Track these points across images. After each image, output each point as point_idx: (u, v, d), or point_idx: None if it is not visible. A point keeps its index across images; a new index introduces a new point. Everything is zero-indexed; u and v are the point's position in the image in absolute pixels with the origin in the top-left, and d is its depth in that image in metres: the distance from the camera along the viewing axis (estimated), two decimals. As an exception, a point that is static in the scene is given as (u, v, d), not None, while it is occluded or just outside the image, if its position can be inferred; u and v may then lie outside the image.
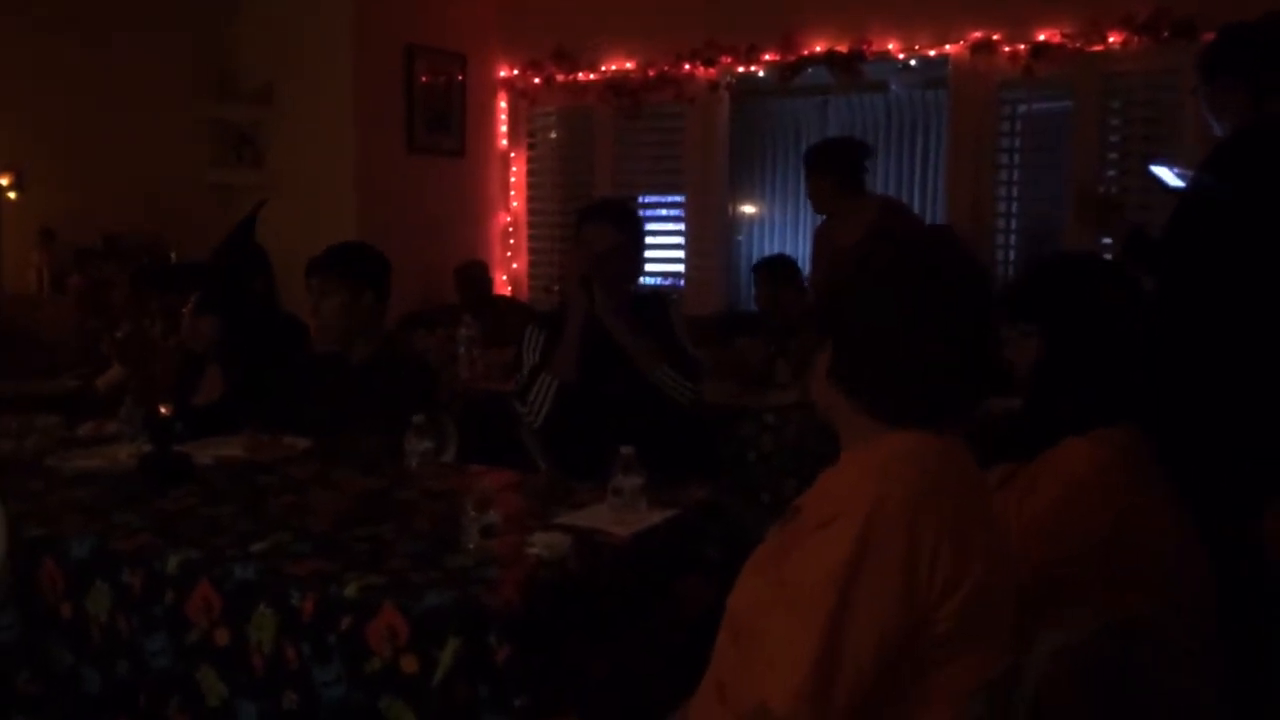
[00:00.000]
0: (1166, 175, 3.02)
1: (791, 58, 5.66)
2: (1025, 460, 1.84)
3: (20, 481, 2.34)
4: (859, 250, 1.45)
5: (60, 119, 5.03)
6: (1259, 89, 2.66)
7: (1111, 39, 4.97)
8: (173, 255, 5.21)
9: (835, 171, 4.24)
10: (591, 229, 2.97)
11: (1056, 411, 1.84)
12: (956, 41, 5.30)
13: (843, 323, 1.41)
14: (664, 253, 6.42)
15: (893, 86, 5.99)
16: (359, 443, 2.64)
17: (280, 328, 3.23)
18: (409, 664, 1.65)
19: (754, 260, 6.53)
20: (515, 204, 6.65)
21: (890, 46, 5.46)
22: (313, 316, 2.95)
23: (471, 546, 1.89)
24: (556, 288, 3.33)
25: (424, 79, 5.92)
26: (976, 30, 5.24)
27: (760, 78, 5.87)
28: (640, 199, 6.39)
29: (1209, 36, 4.70)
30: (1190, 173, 2.85)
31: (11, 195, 4.85)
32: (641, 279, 3.42)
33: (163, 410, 2.40)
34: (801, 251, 6.42)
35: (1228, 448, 2.38)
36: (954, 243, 1.56)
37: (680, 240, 6.28)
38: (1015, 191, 5.47)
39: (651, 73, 6.02)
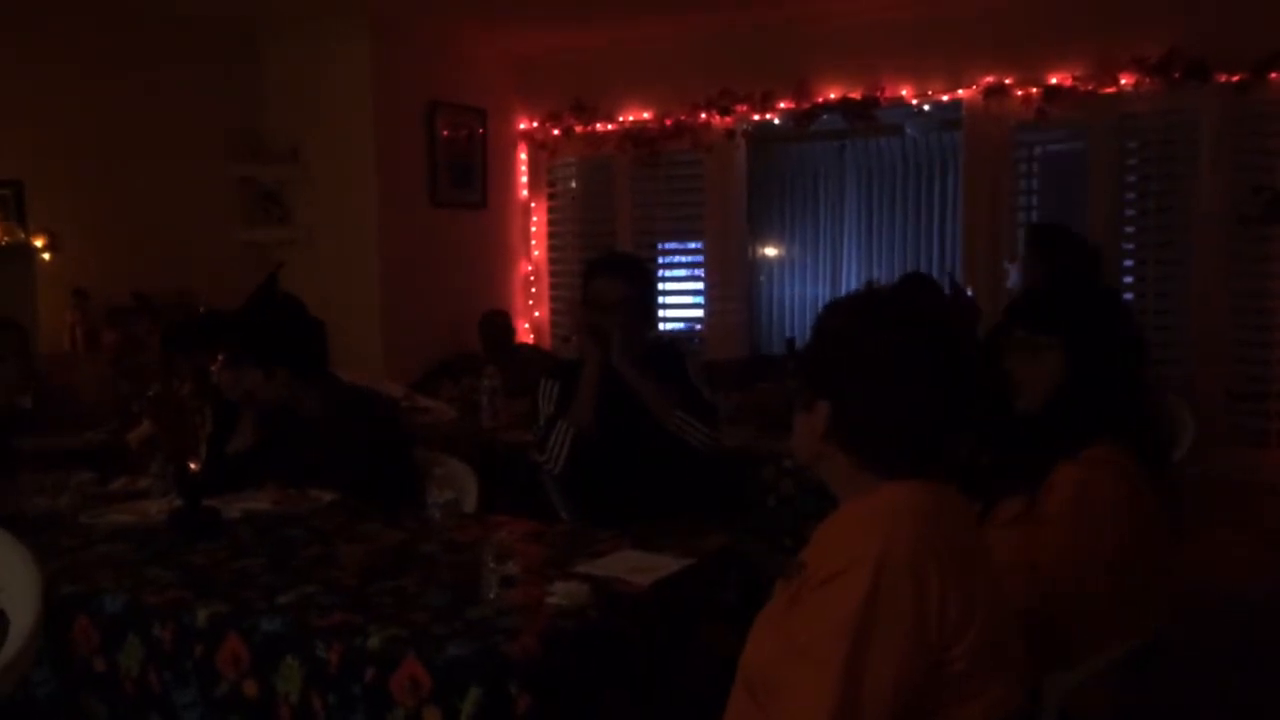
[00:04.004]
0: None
1: (806, 105, 5.75)
2: (1025, 480, 1.88)
3: (55, 538, 2.39)
4: (843, 315, 1.48)
5: (92, 182, 5.17)
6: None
7: (1124, 81, 5.02)
8: (201, 309, 5.31)
9: None
10: (600, 282, 3.03)
11: (1075, 423, 1.89)
12: (969, 86, 5.37)
13: (840, 384, 1.43)
14: (685, 298, 6.49)
15: (908, 130, 6.05)
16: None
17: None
18: (432, 715, 1.67)
19: (775, 303, 6.59)
20: (537, 253, 6.74)
21: (903, 92, 5.53)
22: None
23: (492, 596, 1.92)
24: (574, 337, 3.37)
25: (445, 133, 6.05)
26: (988, 75, 5.30)
27: (776, 125, 5.95)
28: (660, 246, 6.48)
29: (1222, 77, 4.79)
30: None
31: (46, 256, 4.97)
32: (658, 327, 3.46)
33: (192, 466, 2.45)
34: (821, 294, 6.47)
35: None
36: (933, 292, 1.62)
37: (701, 286, 6.33)
38: (1033, 232, 5.49)
39: (668, 122, 6.12)
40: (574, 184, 6.68)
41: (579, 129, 6.39)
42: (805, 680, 1.29)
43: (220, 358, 3.07)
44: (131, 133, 5.31)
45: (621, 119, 6.27)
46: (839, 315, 1.48)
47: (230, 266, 5.60)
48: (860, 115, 5.65)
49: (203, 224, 5.63)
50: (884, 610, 1.28)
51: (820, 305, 4.99)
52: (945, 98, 5.45)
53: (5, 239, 4.81)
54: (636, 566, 2.11)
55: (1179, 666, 3.10)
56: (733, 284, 6.20)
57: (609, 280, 3.02)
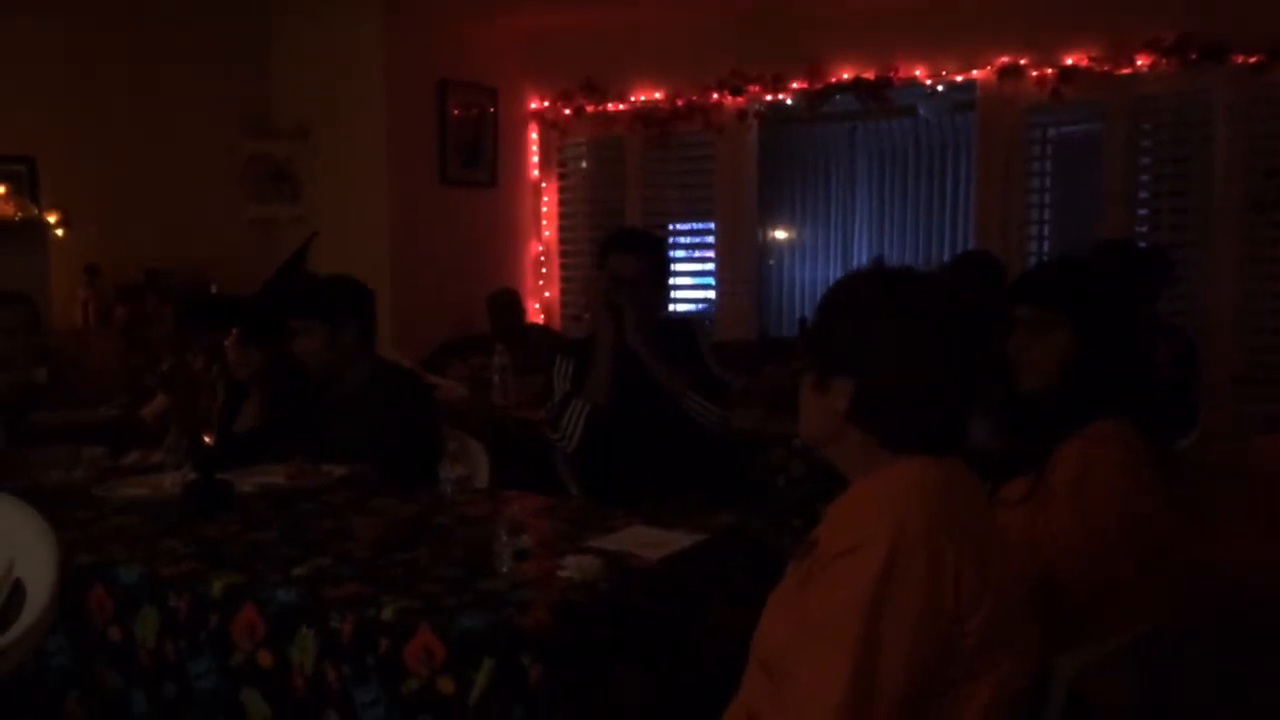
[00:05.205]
0: None
1: (818, 85, 5.71)
2: (1031, 459, 1.88)
3: (70, 511, 2.41)
4: (860, 292, 1.46)
5: (104, 158, 5.17)
6: None
7: (1140, 62, 4.98)
8: (213, 288, 5.33)
9: None
10: (616, 258, 3.03)
11: (1081, 402, 1.89)
12: (983, 67, 5.33)
13: (863, 361, 1.40)
14: (695, 280, 6.47)
15: (921, 111, 6.02)
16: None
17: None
18: (445, 685, 1.69)
19: (785, 286, 6.58)
20: (547, 233, 6.73)
21: (917, 73, 5.49)
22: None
23: (505, 570, 1.93)
24: (586, 316, 3.37)
25: (456, 112, 6.03)
26: (1003, 55, 5.27)
27: (788, 105, 5.92)
28: (670, 227, 6.46)
29: (1239, 58, 4.76)
30: None
31: (59, 233, 4.99)
32: (670, 305, 3.45)
33: (206, 440, 2.46)
34: (832, 276, 6.45)
35: None
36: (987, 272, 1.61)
37: (711, 267, 6.33)
38: (1046, 214, 5.48)
39: (680, 102, 6.09)
40: (585, 164, 6.66)
41: (590, 109, 6.36)
42: (820, 658, 1.29)
43: (234, 333, 3.08)
44: (143, 109, 5.31)
45: (633, 99, 6.24)
46: (856, 292, 1.46)
47: (239, 244, 5.61)
48: (873, 96, 5.62)
49: (213, 201, 5.63)
50: (898, 586, 1.27)
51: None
52: (959, 78, 5.41)
53: (18, 215, 4.82)
54: (648, 542, 2.12)
55: (1186, 654, 3.10)
56: (742, 266, 6.18)
57: (624, 256, 3.02)
